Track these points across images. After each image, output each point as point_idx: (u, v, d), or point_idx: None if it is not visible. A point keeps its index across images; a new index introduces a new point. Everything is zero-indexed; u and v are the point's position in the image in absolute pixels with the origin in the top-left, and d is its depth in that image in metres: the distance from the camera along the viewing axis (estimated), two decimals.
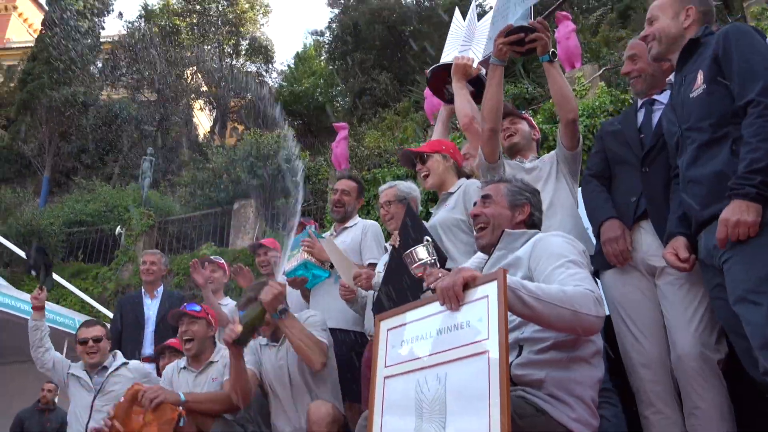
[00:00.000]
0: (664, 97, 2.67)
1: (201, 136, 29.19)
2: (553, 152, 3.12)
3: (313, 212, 12.12)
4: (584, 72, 9.26)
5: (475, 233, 2.38)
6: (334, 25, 26.24)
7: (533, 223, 2.36)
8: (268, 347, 3.23)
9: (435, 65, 3.60)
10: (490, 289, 1.72)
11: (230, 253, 11.76)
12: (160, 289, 4.99)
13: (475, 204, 2.44)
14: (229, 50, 27.99)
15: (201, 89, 27.82)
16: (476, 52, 3.48)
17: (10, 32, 35.38)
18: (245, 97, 28.29)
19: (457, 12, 3.88)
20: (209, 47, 27.74)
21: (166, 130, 25.35)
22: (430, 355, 1.83)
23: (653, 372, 2.38)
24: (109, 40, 28.09)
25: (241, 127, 29.58)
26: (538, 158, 3.18)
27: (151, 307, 4.87)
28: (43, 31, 26.17)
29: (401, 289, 2.61)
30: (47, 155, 23.33)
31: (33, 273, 4.29)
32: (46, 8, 28.86)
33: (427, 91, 11.61)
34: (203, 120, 31.09)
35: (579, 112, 8.37)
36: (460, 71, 3.36)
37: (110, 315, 9.32)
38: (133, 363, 4.17)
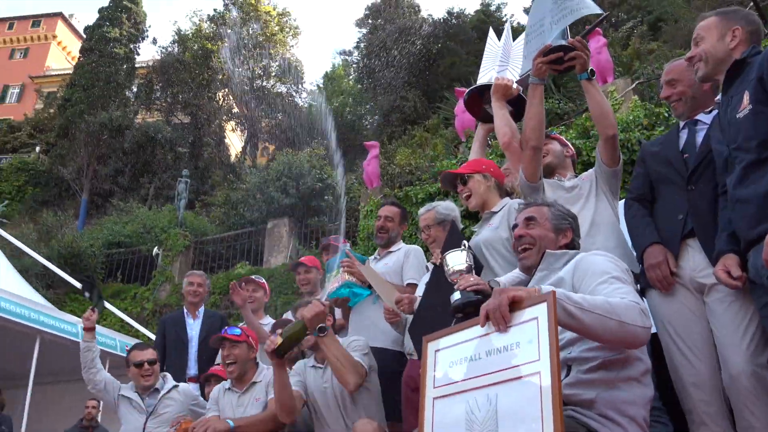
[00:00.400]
0: (707, 117, 2.66)
1: (233, 157, 29.71)
2: (591, 170, 3.11)
3: (345, 230, 12.19)
4: (617, 86, 9.18)
5: (518, 254, 2.38)
6: (362, 45, 26.53)
7: (573, 247, 2.37)
8: (314, 369, 3.27)
9: (473, 86, 3.62)
10: (540, 311, 1.73)
11: (265, 272, 11.89)
12: (202, 309, 5.05)
13: (515, 226, 2.44)
14: (259, 72, 28.48)
15: (232, 111, 28.36)
16: (513, 73, 3.51)
17: (49, 60, 36.66)
18: (276, 117, 28.76)
19: (491, 32, 3.92)
20: (240, 69, 28.29)
21: (199, 151, 25.86)
22: (479, 376, 1.83)
23: (704, 391, 2.35)
24: (143, 65, 28.94)
25: (272, 147, 30.05)
26: (576, 176, 3.18)
27: (193, 327, 4.93)
28: (81, 59, 27.04)
29: (441, 306, 2.63)
30: (85, 178, 23.98)
31: (86, 295, 4.38)
32: (84, 36, 29.84)
33: (457, 109, 11.65)
34: (235, 141, 31.64)
35: None
36: (500, 91, 3.38)
37: (148, 334, 9.50)
38: (183, 386, 4.22)
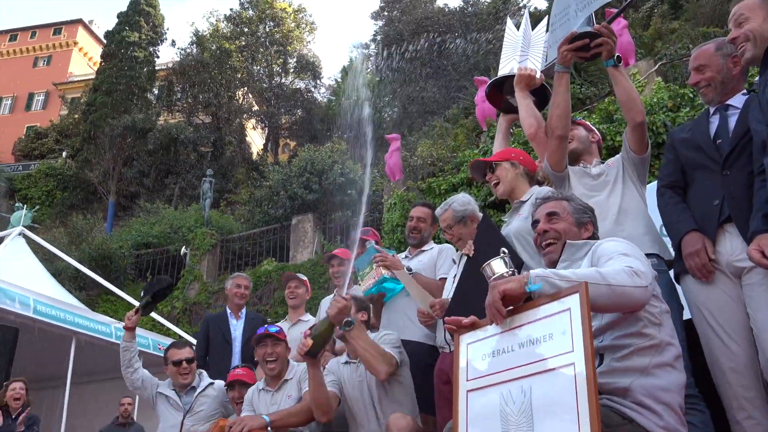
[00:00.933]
0: (738, 101, 2.62)
1: (255, 154, 29.96)
2: (618, 156, 3.07)
3: (368, 224, 12.23)
4: (639, 69, 9.05)
5: (542, 249, 2.39)
6: (378, 38, 26.50)
7: (595, 237, 2.38)
8: (348, 365, 3.31)
9: (496, 78, 3.58)
10: (572, 302, 1.73)
11: (291, 267, 12.00)
12: (244, 310, 5.06)
13: (535, 221, 2.43)
14: (277, 69, 28.62)
15: (252, 109, 28.56)
16: (534, 62, 3.47)
17: (72, 67, 37.23)
18: (295, 114, 28.91)
19: (509, 23, 3.87)
20: (258, 68, 28.46)
21: (222, 150, 26.10)
22: (512, 368, 1.84)
23: (743, 376, 2.32)
24: (163, 67, 29.27)
25: (293, 143, 30.23)
26: (602, 163, 3.14)
27: (237, 328, 4.93)
28: (102, 64, 27.42)
29: (475, 296, 2.64)
30: (111, 181, 24.37)
31: (143, 293, 4.44)
32: (104, 41, 30.24)
33: (477, 98, 11.59)
34: (256, 138, 31.87)
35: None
36: (524, 81, 3.33)
37: (179, 332, 9.64)
38: (218, 383, 4.27)
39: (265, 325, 3.83)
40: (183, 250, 13.00)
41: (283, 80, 28.82)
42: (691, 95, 7.72)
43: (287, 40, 28.23)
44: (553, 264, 2.34)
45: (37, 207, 18.60)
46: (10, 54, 37.92)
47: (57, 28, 39.61)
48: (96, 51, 35.65)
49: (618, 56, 2.92)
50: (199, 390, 4.18)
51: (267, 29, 28.24)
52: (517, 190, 3.19)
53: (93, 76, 29.97)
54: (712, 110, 2.72)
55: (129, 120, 23.87)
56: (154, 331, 10.78)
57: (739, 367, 2.34)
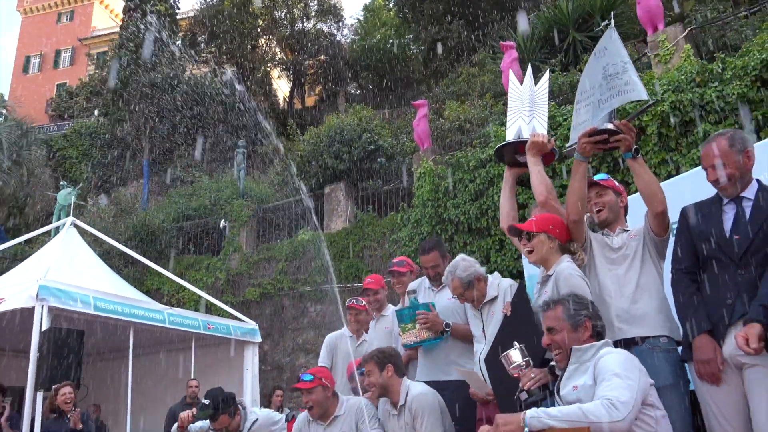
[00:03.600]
0: (750, 192, 2.77)
1: (281, 101, 29.99)
2: (641, 228, 3.19)
3: (399, 192, 12.49)
4: (667, 35, 8.88)
5: (554, 355, 2.76)
6: None
7: (597, 332, 2.72)
8: (391, 417, 3.72)
9: (505, 143, 3.64)
10: None
11: (326, 236, 12.45)
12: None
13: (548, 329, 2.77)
14: (299, 14, 28.17)
15: (276, 57, 28.37)
16: (541, 121, 3.57)
17: (95, 21, 37.12)
18: (320, 58, 28.63)
19: (512, 76, 3.95)
20: (280, 13, 28.06)
21: (248, 99, 26.16)
22: None
23: None
24: (185, 16, 29.06)
25: (318, 88, 30.11)
26: (626, 231, 3.25)
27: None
28: (125, 19, 27.33)
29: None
30: (144, 137, 24.76)
31: (206, 401, 4.63)
32: None
33: (503, 65, 11.51)
34: (282, 85, 31.79)
35: (663, 86, 8.14)
36: (536, 148, 3.41)
37: (221, 305, 10.24)
38: (261, 418, 4.68)
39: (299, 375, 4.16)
40: (222, 223, 13.50)
41: (305, 25, 28.41)
42: (719, 69, 7.63)
43: None
44: (563, 368, 2.71)
45: (81, 184, 19.07)
46: (34, 11, 37.93)
47: None
48: (117, 3, 35.38)
49: (636, 149, 3.05)
50: (246, 430, 4.56)
51: None
52: (549, 263, 3.27)
53: (116, 30, 29.93)
54: (725, 200, 2.84)
55: (156, 76, 23.99)
56: (198, 307, 11.49)
57: None
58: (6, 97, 30.87)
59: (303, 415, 4.24)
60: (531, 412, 2.30)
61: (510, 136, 3.61)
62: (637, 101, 3.16)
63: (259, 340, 10.07)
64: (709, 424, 2.77)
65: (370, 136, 12.80)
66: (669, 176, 7.14)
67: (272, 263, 12.77)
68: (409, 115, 17.88)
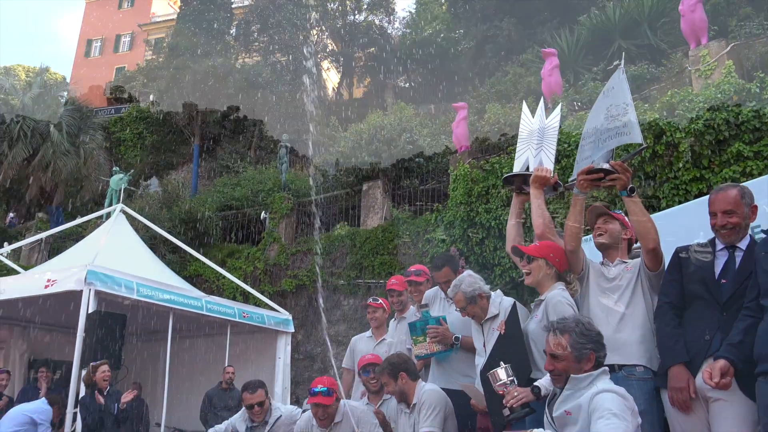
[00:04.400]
0: (744, 243, 2.94)
1: (330, 91, 30.42)
2: (637, 261, 3.35)
3: (435, 192, 12.67)
4: (710, 49, 8.76)
5: (551, 377, 2.89)
6: None
7: (599, 362, 2.80)
8: (403, 414, 3.97)
9: (510, 174, 3.85)
10: None
11: (362, 233, 12.74)
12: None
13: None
14: (351, 6, 28.47)
15: (327, 48, 28.76)
16: (548, 154, 3.73)
17: (154, 7, 38.28)
18: (370, 51, 28.88)
19: (525, 108, 4.09)
20: (333, 5, 28.42)
21: (298, 90, 26.63)
22: None
23: None
24: (240, 5, 29.71)
25: (367, 80, 30.39)
26: (624, 263, 3.40)
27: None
28: (182, 7, 28.16)
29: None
30: (195, 123, 25.55)
31: None
32: None
33: (543, 72, 11.53)
34: (332, 75, 32.21)
35: (700, 103, 8.11)
36: (539, 182, 3.61)
37: (258, 295, 10.65)
38: (285, 414, 4.81)
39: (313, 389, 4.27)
40: (263, 214, 13.96)
41: (356, 17, 28.71)
42: (757, 89, 7.56)
43: None
44: (560, 389, 2.84)
45: (132, 171, 19.94)
46: None
47: None
48: None
49: (632, 187, 3.21)
50: (269, 426, 4.67)
51: None
52: (543, 287, 3.49)
53: (174, 16, 30.86)
54: (719, 247, 3.01)
55: (210, 63, 24.67)
56: (237, 295, 11.96)
57: None
58: (68, 80, 32.30)
59: (306, 417, 4.43)
60: None
61: (518, 166, 3.79)
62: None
63: (293, 330, 10.45)
64: None
65: (409, 136, 13.00)
66: (700, 194, 7.14)
67: (309, 255, 13.17)
68: (452, 112, 18.01)
